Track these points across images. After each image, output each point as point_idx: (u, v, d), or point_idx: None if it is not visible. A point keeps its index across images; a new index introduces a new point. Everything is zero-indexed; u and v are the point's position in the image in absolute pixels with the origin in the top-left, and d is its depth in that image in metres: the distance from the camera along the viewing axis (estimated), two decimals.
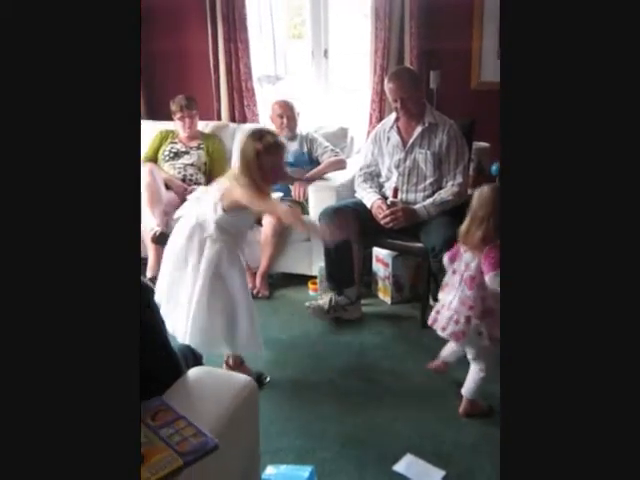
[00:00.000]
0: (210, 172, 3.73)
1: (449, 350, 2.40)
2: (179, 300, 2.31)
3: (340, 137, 3.74)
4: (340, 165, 3.50)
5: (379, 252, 3.28)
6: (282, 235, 3.31)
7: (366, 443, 2.14)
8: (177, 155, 3.71)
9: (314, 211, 3.20)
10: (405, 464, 2.02)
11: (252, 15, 4.00)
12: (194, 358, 1.76)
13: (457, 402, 2.33)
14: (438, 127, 2.95)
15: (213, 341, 2.30)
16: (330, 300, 3.01)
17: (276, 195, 3.38)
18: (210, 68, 4.02)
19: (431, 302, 3.01)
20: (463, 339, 2.18)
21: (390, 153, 3.06)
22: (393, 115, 3.07)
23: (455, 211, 2.97)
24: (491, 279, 2.07)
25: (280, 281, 3.49)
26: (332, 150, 3.55)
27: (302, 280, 3.39)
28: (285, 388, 2.48)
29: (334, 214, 2.95)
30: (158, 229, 3.26)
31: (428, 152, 2.95)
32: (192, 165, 3.68)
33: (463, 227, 2.20)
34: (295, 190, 3.38)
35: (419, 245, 2.88)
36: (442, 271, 2.79)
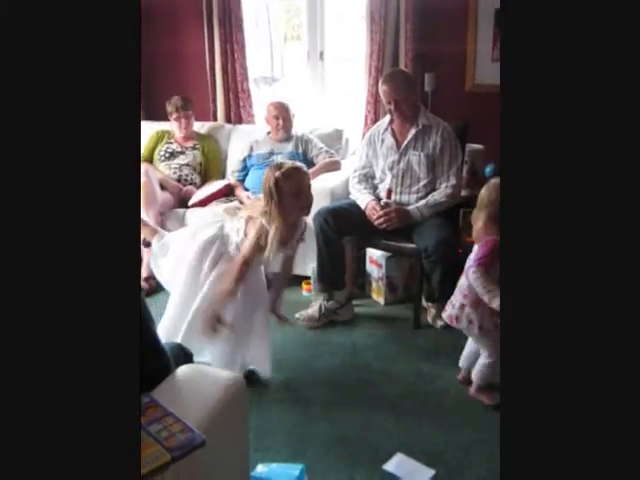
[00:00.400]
0: (205, 172, 3.76)
1: (465, 354, 2.49)
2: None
3: (335, 138, 3.76)
4: (335, 166, 3.52)
5: (373, 253, 3.29)
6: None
7: (357, 442, 2.15)
8: (173, 155, 3.73)
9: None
10: (395, 463, 2.04)
11: (249, 17, 4.02)
12: (184, 356, 1.77)
13: (449, 403, 2.36)
14: (432, 129, 2.97)
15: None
16: (320, 307, 3.03)
17: (249, 194, 3.40)
18: (206, 69, 4.04)
19: (424, 303, 3.03)
20: (456, 323, 2.31)
21: (384, 155, 3.07)
22: (387, 117, 3.09)
23: (448, 213, 3.00)
24: (467, 272, 2.23)
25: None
26: (327, 151, 3.57)
27: (296, 280, 3.39)
28: (277, 388, 2.49)
29: (329, 215, 2.97)
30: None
31: (422, 154, 2.96)
32: (187, 165, 3.70)
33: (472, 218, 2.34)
34: None
35: (412, 246, 2.89)
36: (435, 271, 2.82)
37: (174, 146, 3.75)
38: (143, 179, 3.41)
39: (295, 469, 1.92)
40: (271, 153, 3.57)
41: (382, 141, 3.08)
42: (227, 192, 3.60)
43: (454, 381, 2.49)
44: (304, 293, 3.34)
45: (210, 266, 2.34)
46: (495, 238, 2.17)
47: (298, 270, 3.39)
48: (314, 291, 3.24)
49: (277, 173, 2.23)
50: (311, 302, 3.13)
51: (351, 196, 3.15)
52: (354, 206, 3.07)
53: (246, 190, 3.56)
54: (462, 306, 2.28)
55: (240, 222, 2.35)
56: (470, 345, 2.45)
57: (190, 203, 3.52)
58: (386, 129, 3.07)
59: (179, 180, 3.66)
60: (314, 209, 3.07)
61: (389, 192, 3.00)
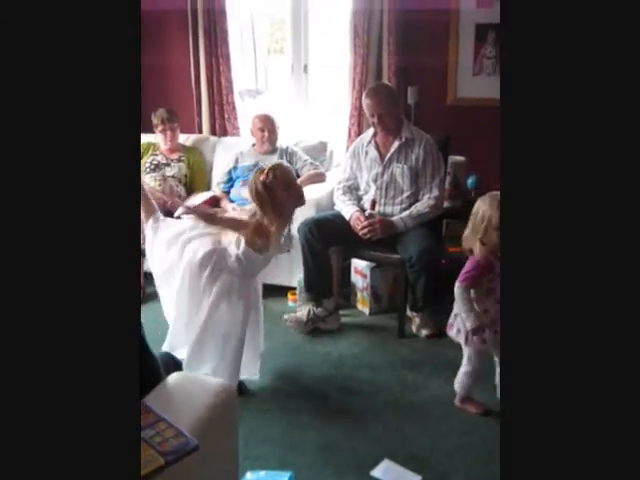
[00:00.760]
0: (191, 184, 3.78)
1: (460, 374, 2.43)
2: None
3: (320, 150, 3.80)
4: (319, 178, 3.56)
5: (357, 264, 3.33)
6: None
7: (344, 449, 2.17)
8: (158, 167, 3.74)
9: (294, 223, 3.23)
10: (382, 469, 2.06)
11: (233, 30, 4.06)
12: (174, 364, 1.78)
13: (434, 410, 2.39)
14: (415, 142, 3.02)
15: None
16: (309, 312, 3.05)
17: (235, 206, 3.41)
18: (191, 82, 4.07)
19: (408, 312, 3.07)
20: (450, 330, 2.37)
21: (368, 167, 3.12)
22: (371, 130, 3.14)
23: (431, 223, 3.05)
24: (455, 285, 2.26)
25: None
26: (312, 163, 3.61)
27: (282, 291, 3.42)
28: (265, 397, 2.51)
29: (313, 225, 3.00)
30: None
31: (405, 166, 3.02)
32: (173, 177, 3.71)
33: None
34: None
35: (396, 256, 2.94)
36: (419, 281, 2.86)
37: (159, 158, 3.76)
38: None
39: (283, 476, 1.94)
40: (256, 165, 3.59)
41: (366, 153, 3.13)
42: (213, 203, 3.62)
43: (438, 389, 2.53)
44: (289, 304, 3.37)
45: (209, 281, 2.32)
46: (485, 255, 2.22)
47: (284, 281, 3.43)
48: (300, 301, 3.26)
49: (262, 176, 2.25)
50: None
51: (336, 207, 3.19)
52: (339, 217, 3.11)
53: (231, 202, 3.58)
54: (455, 315, 2.34)
55: (235, 235, 2.35)
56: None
57: (176, 215, 3.53)
58: (370, 142, 3.12)
59: (164, 192, 3.67)
60: (299, 220, 3.11)
61: (373, 203, 3.04)
